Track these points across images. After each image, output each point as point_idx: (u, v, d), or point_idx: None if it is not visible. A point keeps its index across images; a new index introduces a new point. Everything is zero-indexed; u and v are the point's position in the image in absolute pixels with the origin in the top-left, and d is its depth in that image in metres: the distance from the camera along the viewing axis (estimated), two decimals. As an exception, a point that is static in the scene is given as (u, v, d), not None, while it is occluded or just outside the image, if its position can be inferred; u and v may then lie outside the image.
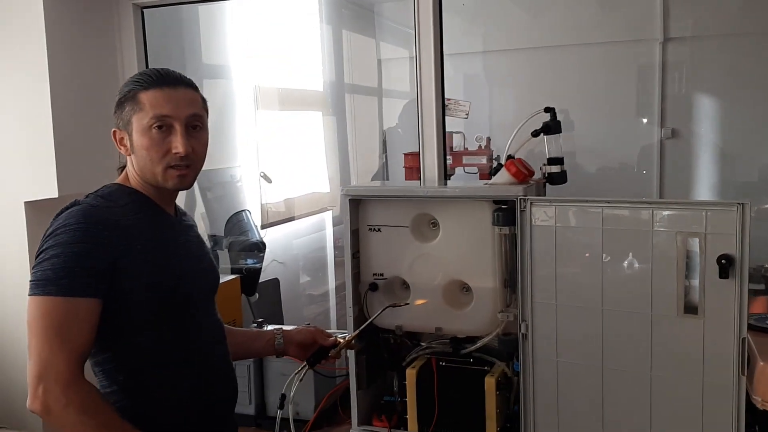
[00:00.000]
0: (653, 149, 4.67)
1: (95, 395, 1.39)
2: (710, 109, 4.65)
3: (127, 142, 1.51)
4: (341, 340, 1.79)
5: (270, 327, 2.29)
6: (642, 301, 1.75)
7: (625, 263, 1.78)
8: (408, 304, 2.03)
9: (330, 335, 1.82)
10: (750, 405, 1.68)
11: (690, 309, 1.69)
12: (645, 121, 4.71)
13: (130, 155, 1.52)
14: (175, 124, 1.47)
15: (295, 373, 1.74)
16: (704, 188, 4.59)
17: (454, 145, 4.44)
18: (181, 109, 1.48)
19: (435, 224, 2.07)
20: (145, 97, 1.47)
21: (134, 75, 1.53)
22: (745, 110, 4.44)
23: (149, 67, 2.53)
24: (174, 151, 1.46)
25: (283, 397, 1.74)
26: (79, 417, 1.35)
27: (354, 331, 2.04)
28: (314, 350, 1.79)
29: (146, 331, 1.47)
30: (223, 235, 3.36)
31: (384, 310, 1.89)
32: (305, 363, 1.77)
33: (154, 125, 1.46)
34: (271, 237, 3.77)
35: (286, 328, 1.88)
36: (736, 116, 4.52)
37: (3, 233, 2.46)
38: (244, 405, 2.27)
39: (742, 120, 4.45)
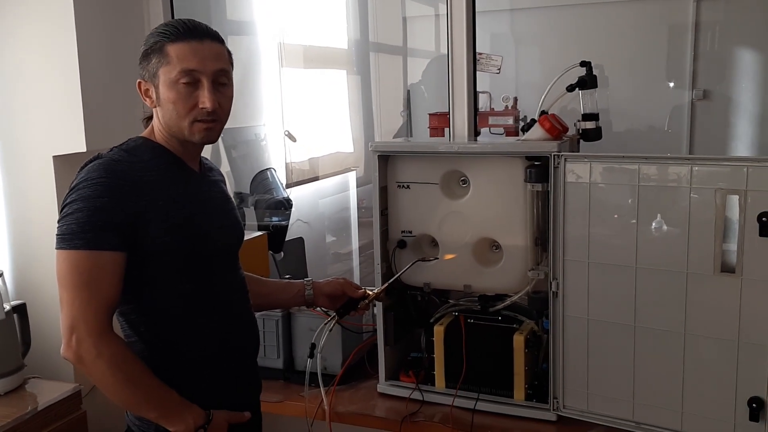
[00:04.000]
0: (683, 110, 4.57)
1: (124, 349, 1.42)
2: (745, 70, 4.52)
3: (152, 94, 1.49)
4: (370, 293, 1.80)
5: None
6: (677, 260, 1.72)
7: (661, 221, 1.75)
8: (438, 258, 2.02)
9: (359, 287, 1.83)
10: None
11: (727, 268, 1.66)
12: (671, 84, 4.60)
13: (155, 107, 1.51)
14: (202, 78, 1.45)
15: (324, 324, 1.75)
16: (737, 151, 4.49)
17: (480, 106, 4.37)
18: (208, 63, 1.46)
19: (465, 181, 2.05)
20: (173, 49, 1.45)
21: (160, 25, 1.50)
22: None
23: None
24: (201, 106, 1.45)
25: (313, 346, 1.76)
26: (109, 369, 1.38)
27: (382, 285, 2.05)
28: (343, 302, 1.80)
29: (168, 285, 1.48)
30: (248, 192, 3.36)
31: (413, 264, 1.89)
32: (334, 314, 1.78)
33: (182, 80, 1.44)
34: (295, 196, 3.76)
35: (315, 280, 1.88)
36: (772, 77, 4.41)
37: (33, 188, 2.48)
38: (273, 359, 2.29)
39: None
